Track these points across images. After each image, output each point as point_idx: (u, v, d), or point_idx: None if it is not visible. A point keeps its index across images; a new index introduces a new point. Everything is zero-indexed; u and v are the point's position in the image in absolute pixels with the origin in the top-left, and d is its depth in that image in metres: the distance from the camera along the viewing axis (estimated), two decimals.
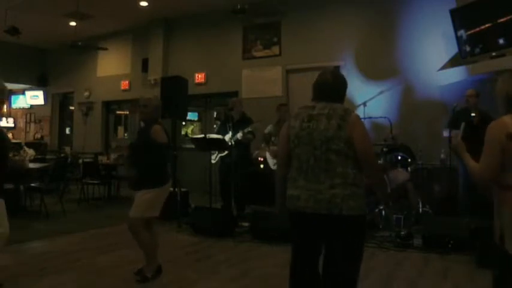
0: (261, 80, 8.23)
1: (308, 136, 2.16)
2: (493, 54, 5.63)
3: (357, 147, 2.10)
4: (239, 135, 5.71)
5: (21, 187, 6.15)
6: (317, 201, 2.11)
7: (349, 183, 2.09)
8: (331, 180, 2.10)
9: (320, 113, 2.18)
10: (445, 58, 6.52)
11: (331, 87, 2.26)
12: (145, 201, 3.42)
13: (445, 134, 5.50)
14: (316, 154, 2.14)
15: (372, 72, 7.09)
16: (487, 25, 5.63)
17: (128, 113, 10.77)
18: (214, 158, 6.10)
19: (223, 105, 8.01)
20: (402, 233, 4.68)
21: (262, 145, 6.31)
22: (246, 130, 5.72)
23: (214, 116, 9.40)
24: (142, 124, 3.80)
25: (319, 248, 2.26)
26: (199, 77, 8.95)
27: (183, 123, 9.56)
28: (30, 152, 7.04)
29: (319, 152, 2.13)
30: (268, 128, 6.19)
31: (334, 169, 2.10)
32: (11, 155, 4.35)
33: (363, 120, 2.30)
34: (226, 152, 5.87)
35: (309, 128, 2.17)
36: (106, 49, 10.04)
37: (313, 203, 2.12)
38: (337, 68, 7.42)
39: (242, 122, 5.87)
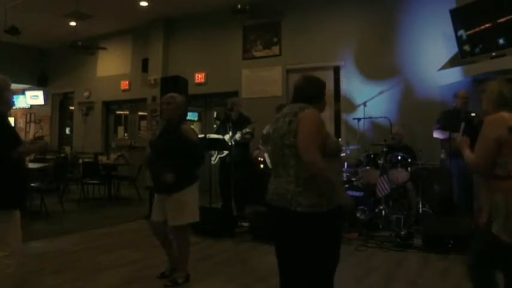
0: (261, 80, 8.22)
1: (273, 134, 2.34)
2: (493, 54, 5.64)
3: (296, 139, 2.18)
4: (237, 136, 5.70)
5: None
6: (277, 194, 2.25)
7: (302, 178, 2.17)
8: (287, 174, 2.23)
9: (284, 112, 2.34)
10: (445, 58, 6.52)
11: (300, 90, 2.39)
12: (185, 206, 3.39)
13: (437, 135, 5.47)
14: (275, 150, 2.30)
15: (372, 72, 7.09)
16: (487, 25, 5.63)
17: (127, 113, 10.78)
18: (214, 159, 6.09)
19: (223, 105, 8.00)
20: (402, 233, 4.68)
21: (260, 146, 6.30)
22: (244, 131, 5.72)
23: (214, 116, 9.40)
24: (151, 123, 3.74)
25: (293, 246, 2.29)
26: (199, 77, 8.95)
27: None
28: None
29: (278, 148, 2.28)
30: (267, 128, 6.18)
31: (288, 162, 2.22)
32: None
33: (320, 117, 2.28)
34: (226, 153, 5.87)
35: (275, 127, 2.34)
36: (105, 48, 10.03)
37: (276, 196, 2.26)
38: (337, 68, 7.44)
39: (240, 122, 5.87)
